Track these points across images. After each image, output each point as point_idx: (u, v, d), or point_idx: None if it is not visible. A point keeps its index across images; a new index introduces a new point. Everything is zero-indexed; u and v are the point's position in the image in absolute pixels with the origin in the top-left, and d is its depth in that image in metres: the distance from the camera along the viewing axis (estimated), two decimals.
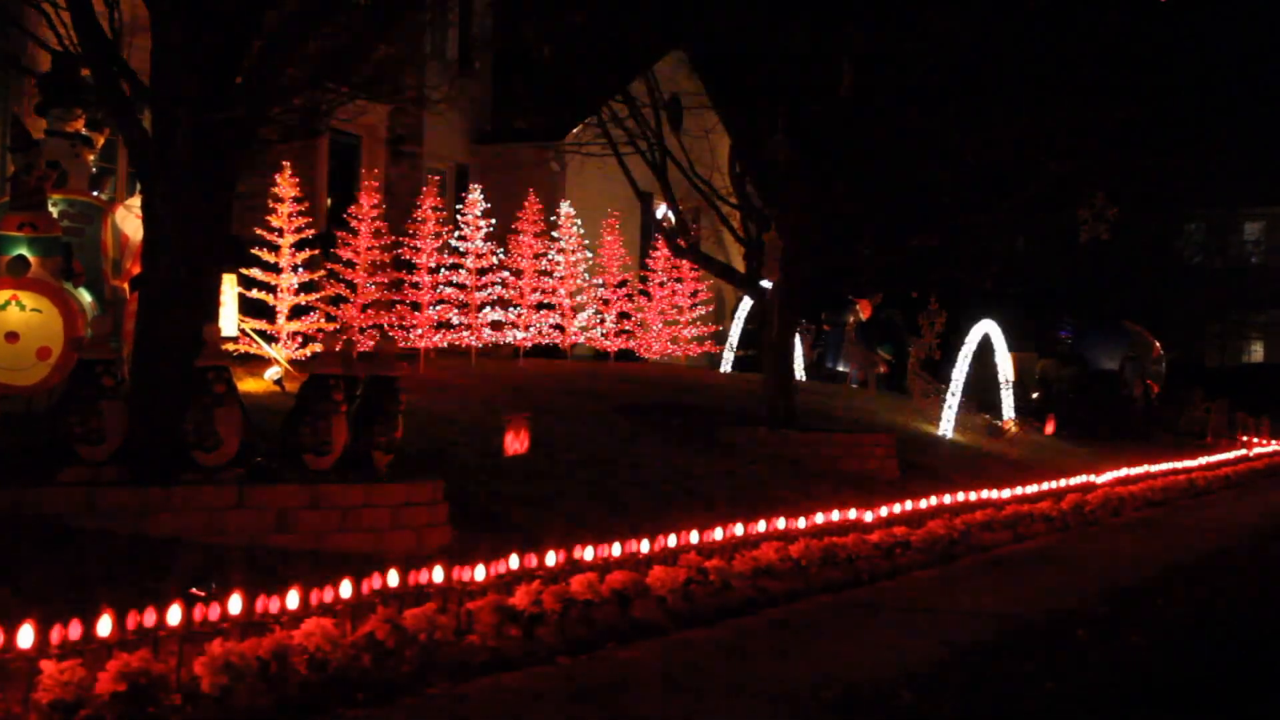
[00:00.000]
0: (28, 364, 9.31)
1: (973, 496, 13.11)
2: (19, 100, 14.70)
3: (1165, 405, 30.72)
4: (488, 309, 17.75)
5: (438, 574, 6.94)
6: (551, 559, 7.68)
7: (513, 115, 18.28)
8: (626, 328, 20.78)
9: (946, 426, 19.92)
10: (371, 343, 14.29)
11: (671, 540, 8.67)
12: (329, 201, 20.35)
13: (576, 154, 20.28)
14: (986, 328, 21.46)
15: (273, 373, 13.02)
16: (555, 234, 19.44)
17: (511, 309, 18.28)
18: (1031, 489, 14.77)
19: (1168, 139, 17.52)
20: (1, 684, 5.21)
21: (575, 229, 19.63)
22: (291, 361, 13.68)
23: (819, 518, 10.36)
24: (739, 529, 9.36)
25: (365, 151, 21.20)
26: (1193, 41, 20.21)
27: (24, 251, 9.42)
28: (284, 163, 14.77)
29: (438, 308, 17.06)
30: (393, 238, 16.43)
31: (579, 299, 19.73)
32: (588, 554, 7.93)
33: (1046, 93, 16.13)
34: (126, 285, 10.36)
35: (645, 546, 8.39)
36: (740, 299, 25.20)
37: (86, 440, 7.66)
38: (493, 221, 17.98)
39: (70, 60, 9.88)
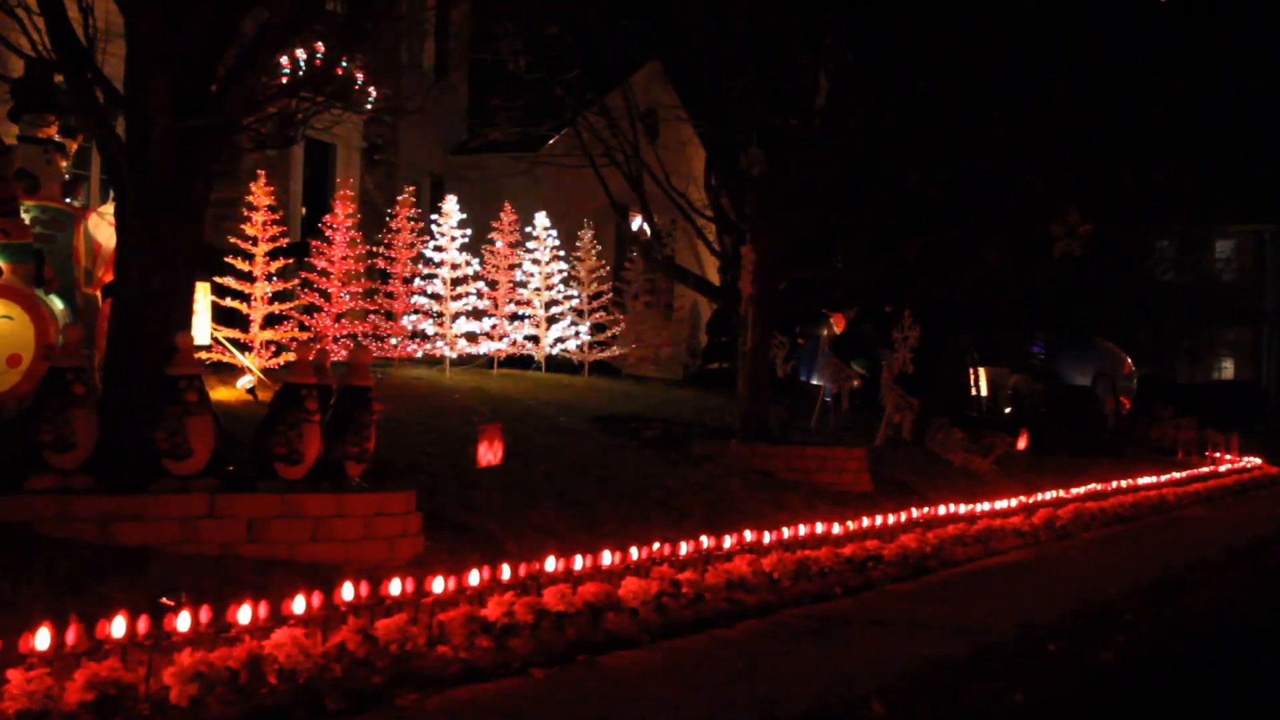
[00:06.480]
0: None
1: (944, 511, 13.15)
2: None
3: (1136, 421, 30.86)
4: (462, 319, 17.74)
5: (409, 584, 6.93)
6: (524, 570, 7.68)
7: (488, 126, 18.27)
8: (601, 339, 20.79)
9: (919, 441, 19.96)
10: (345, 352, 14.24)
11: (644, 552, 8.68)
12: (303, 210, 20.31)
13: (552, 166, 20.30)
14: (960, 343, 21.56)
15: (245, 381, 12.97)
16: (530, 245, 19.45)
17: (486, 319, 18.28)
18: (1003, 504, 14.80)
19: (1140, 157, 17.62)
20: None
21: (550, 240, 19.65)
22: (264, 370, 13.63)
23: (792, 531, 10.38)
24: (712, 541, 9.37)
25: (340, 161, 21.19)
26: (1166, 62, 20.34)
27: None
28: (258, 171, 14.74)
29: (412, 318, 17.04)
30: (367, 247, 16.41)
31: (554, 310, 19.74)
32: (560, 565, 7.93)
33: (1022, 109, 16.22)
34: (99, 293, 10.31)
35: (618, 558, 8.40)
36: (715, 312, 25.25)
37: (57, 448, 7.61)
38: (468, 232, 17.97)
39: (43, 66, 9.81)
